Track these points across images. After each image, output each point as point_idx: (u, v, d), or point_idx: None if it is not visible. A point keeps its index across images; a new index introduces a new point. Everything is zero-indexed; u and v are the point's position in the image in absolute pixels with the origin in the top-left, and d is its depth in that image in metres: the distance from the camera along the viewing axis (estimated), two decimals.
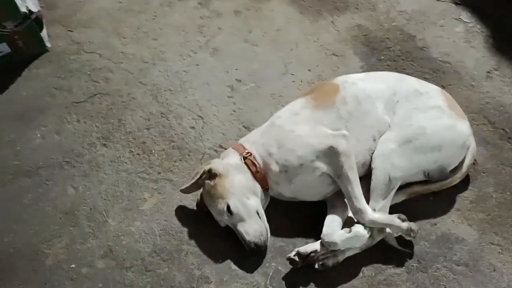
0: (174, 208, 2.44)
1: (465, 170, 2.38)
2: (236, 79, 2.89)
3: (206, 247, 2.33)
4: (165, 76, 2.93)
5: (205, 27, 3.09)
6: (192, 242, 2.36)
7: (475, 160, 2.38)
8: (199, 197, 2.43)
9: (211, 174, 2.28)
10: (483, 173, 2.47)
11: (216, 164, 2.32)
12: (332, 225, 2.24)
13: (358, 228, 2.20)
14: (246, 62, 2.94)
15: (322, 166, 2.24)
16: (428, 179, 2.37)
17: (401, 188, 2.35)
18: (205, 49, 3.02)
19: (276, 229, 2.32)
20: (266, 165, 2.31)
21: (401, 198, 2.38)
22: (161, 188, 2.53)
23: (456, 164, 2.37)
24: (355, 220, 2.25)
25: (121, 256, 2.29)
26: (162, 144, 2.67)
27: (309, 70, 2.89)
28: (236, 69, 2.91)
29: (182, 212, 2.45)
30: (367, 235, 2.21)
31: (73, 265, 2.26)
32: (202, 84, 2.87)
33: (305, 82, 2.84)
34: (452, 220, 2.34)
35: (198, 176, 2.31)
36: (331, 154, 2.22)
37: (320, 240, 2.22)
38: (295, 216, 2.39)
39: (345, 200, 2.28)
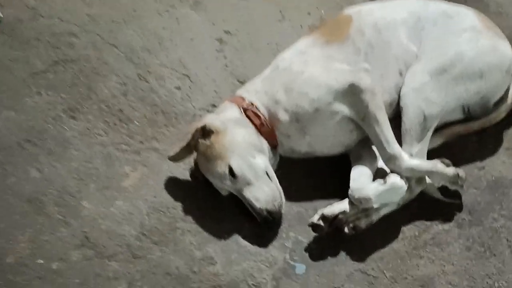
0: (164, 181, 1.99)
1: (510, 101, 1.96)
2: (224, 31, 2.48)
3: (206, 223, 1.88)
4: (140, 36, 2.50)
5: None
6: (189, 218, 1.92)
7: None
8: (193, 165, 2.04)
9: (205, 132, 1.84)
10: None
11: (211, 120, 1.87)
12: (361, 179, 1.79)
13: (394, 179, 1.75)
14: (234, 12, 2.53)
15: (342, 109, 1.81)
16: (468, 116, 1.98)
17: (438, 130, 1.93)
18: (185, 2, 2.58)
19: (292, 193, 1.88)
20: (273, 116, 1.87)
21: (439, 141, 1.95)
22: (145, 160, 2.10)
23: (501, 95, 1.95)
24: (388, 171, 1.85)
25: (101, 244, 1.85)
26: (143, 110, 2.24)
27: (309, 13, 2.46)
28: (224, 21, 2.50)
29: (173, 185, 2.00)
30: (405, 187, 1.77)
31: (40, 261, 1.80)
32: (185, 40, 2.46)
33: (305, 27, 2.42)
34: (503, 161, 1.92)
35: (189, 137, 1.88)
36: (353, 93, 1.78)
37: (348, 198, 1.79)
38: (313, 175, 1.95)
39: (373, 147, 1.86)
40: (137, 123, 2.19)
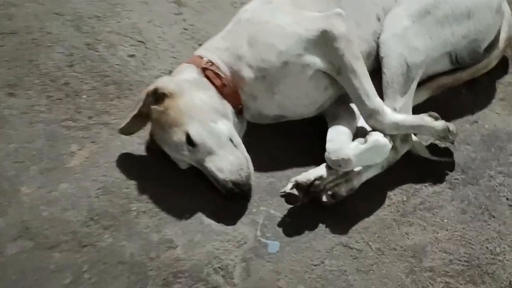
0: (116, 158, 1.75)
1: (502, 46, 1.75)
2: None
3: (164, 202, 1.63)
4: (88, 2, 2.27)
5: None
6: (144, 197, 1.66)
7: (509, 41, 1.78)
8: (148, 137, 1.82)
9: (158, 96, 1.60)
10: None
11: (164, 82, 1.63)
12: (338, 139, 1.57)
13: (377, 136, 1.53)
14: None
15: (315, 61, 1.58)
16: (456, 66, 1.77)
17: (423, 83, 1.72)
18: None
19: (261, 162, 1.65)
20: (236, 74, 1.63)
21: (424, 95, 1.74)
22: (94, 136, 1.85)
23: (491, 38, 1.75)
24: (368, 130, 1.65)
25: (42, 233, 1.59)
26: (92, 82, 2.00)
27: None
28: None
29: (127, 161, 1.75)
30: (389, 145, 1.55)
31: None
32: (139, 4, 2.21)
33: None
34: (497, 113, 1.72)
35: (140, 104, 1.64)
36: (325, 42, 1.56)
37: (324, 164, 1.59)
38: (286, 142, 1.72)
39: (352, 106, 1.66)
40: (85, 97, 1.94)
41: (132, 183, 1.70)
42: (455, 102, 1.75)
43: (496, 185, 1.59)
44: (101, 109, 1.90)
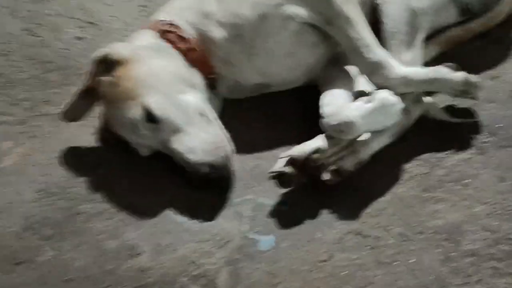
0: (60, 153, 1.39)
1: None
2: None
3: (123, 200, 1.27)
4: None
5: None
6: (97, 197, 1.29)
7: None
8: (101, 123, 1.48)
9: (108, 65, 1.27)
10: None
11: (115, 48, 1.30)
12: (336, 101, 1.25)
13: (384, 93, 1.22)
14: None
15: (298, 11, 1.28)
16: (466, 16, 1.49)
17: (431, 38, 1.41)
18: None
19: (242, 144, 1.31)
20: (204, 36, 1.31)
21: (433, 51, 1.41)
22: (34, 130, 1.48)
23: None
24: (370, 92, 1.32)
25: None
26: (31, 70, 1.65)
27: None
28: None
29: (74, 156, 1.38)
30: (400, 104, 1.23)
31: None
32: None
33: None
34: None
35: (87, 77, 1.31)
36: None
37: (322, 134, 1.28)
38: (270, 117, 1.39)
39: (347, 65, 1.35)
40: (22, 87, 1.61)
41: (81, 181, 1.34)
42: (470, 57, 1.44)
43: None
44: (42, 99, 1.56)
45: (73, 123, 1.42)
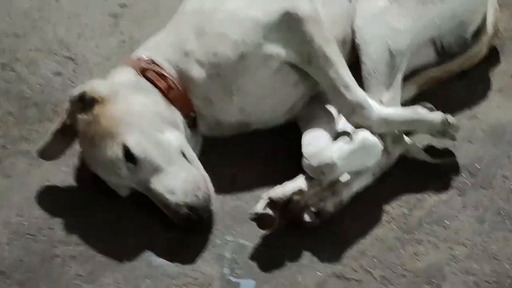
0: (35, 193, 1.35)
1: (491, 31, 1.51)
2: (119, 5, 1.92)
3: (100, 242, 1.24)
4: (5, 19, 1.94)
5: None
6: (73, 239, 1.25)
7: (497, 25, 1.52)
8: (77, 162, 1.45)
9: (86, 103, 1.25)
10: None
11: (92, 85, 1.29)
12: (317, 141, 1.25)
13: (364, 134, 1.23)
14: None
15: (278, 51, 1.28)
16: (443, 56, 1.48)
17: (409, 77, 1.41)
18: None
19: (222, 184, 1.29)
20: (184, 74, 1.31)
21: (412, 91, 1.43)
22: (8, 169, 1.42)
23: (478, 22, 1.49)
24: (351, 132, 1.34)
25: None
26: (6, 106, 1.60)
27: None
28: None
29: (50, 196, 1.34)
30: (381, 146, 1.24)
31: None
32: (67, 18, 1.88)
33: None
34: (498, 106, 1.43)
35: (64, 114, 1.28)
36: (289, 26, 1.27)
37: (303, 175, 1.24)
38: (250, 156, 1.37)
39: (328, 105, 1.35)
40: None
41: (57, 222, 1.31)
42: (447, 97, 1.47)
43: None
44: (18, 136, 1.51)
45: (48, 162, 1.40)
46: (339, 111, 1.32)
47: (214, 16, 1.33)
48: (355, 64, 1.39)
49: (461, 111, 1.46)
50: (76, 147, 1.37)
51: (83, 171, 1.35)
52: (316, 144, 1.25)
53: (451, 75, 1.53)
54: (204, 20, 1.33)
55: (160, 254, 1.22)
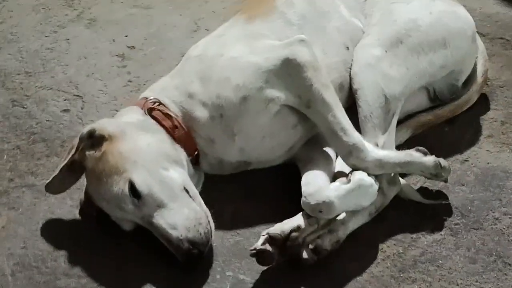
0: (40, 226, 1.39)
1: (481, 80, 1.59)
2: (127, 46, 2.01)
3: (103, 275, 1.27)
4: (18, 58, 1.97)
5: (75, 0, 2.26)
6: (76, 271, 1.28)
7: (486, 74, 1.59)
8: (82, 197, 1.49)
9: (94, 140, 1.31)
10: (501, 87, 1.74)
11: (101, 123, 1.35)
12: (316, 181, 1.30)
13: (360, 175, 1.28)
14: (139, 27, 2.07)
15: (279, 95, 1.35)
16: (436, 102, 1.56)
17: (402, 121, 1.50)
18: (77, 22, 2.14)
19: (222, 220, 1.34)
20: (188, 115, 1.38)
21: (405, 135, 1.51)
22: (14, 201, 1.47)
23: (469, 71, 1.57)
24: (348, 173, 1.38)
25: None
26: (15, 141, 1.65)
27: (225, 20, 2.16)
28: (126, 36, 2.03)
29: (54, 229, 1.38)
30: (376, 186, 1.29)
31: None
32: (77, 59, 1.96)
33: None
34: (488, 151, 1.49)
35: (73, 151, 1.32)
36: (289, 71, 1.34)
37: (302, 212, 1.29)
38: (251, 194, 1.42)
39: (326, 147, 1.41)
40: (6, 157, 1.62)
41: (61, 255, 1.34)
42: (439, 141, 1.54)
43: (504, 228, 1.34)
44: (25, 170, 1.57)
45: (54, 196, 1.44)
46: (337, 153, 1.39)
47: (218, 62, 1.41)
48: (351, 108, 1.48)
49: (453, 155, 1.52)
50: (81, 182, 1.43)
51: (88, 206, 1.39)
52: (314, 184, 1.30)
53: (442, 120, 1.61)
54: (208, 66, 1.41)
55: None
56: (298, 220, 1.26)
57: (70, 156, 1.32)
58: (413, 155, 1.36)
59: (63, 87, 1.86)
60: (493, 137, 1.57)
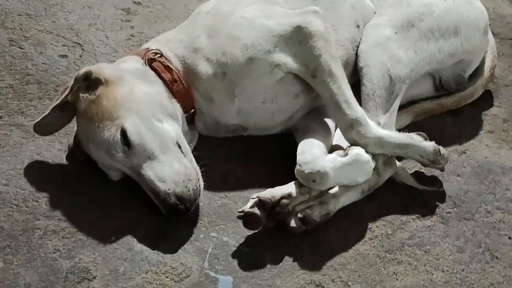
0: (24, 165, 1.35)
1: (487, 75, 1.57)
2: (134, 2, 1.94)
3: (83, 220, 1.24)
4: (21, 0, 2.00)
5: None
6: (56, 214, 1.25)
7: (493, 70, 1.57)
8: (71, 141, 1.44)
9: (90, 83, 1.26)
10: (507, 86, 1.70)
11: (98, 66, 1.31)
12: (312, 151, 1.27)
13: (358, 150, 1.25)
14: None
15: (286, 60, 1.31)
16: (440, 91, 1.53)
17: (406, 106, 1.49)
18: None
19: (212, 181, 1.30)
20: (190, 69, 1.33)
21: (407, 119, 1.48)
22: (1, 139, 1.40)
23: (477, 63, 1.55)
24: (346, 147, 1.35)
25: None
26: (8, 79, 1.61)
27: None
28: None
29: (39, 170, 1.34)
30: (372, 163, 1.26)
31: None
32: (81, 8, 1.90)
33: None
34: (487, 145, 1.47)
35: (67, 91, 1.28)
36: (300, 39, 1.31)
37: (294, 181, 1.27)
38: (243, 157, 1.40)
39: (327, 118, 1.38)
40: None
41: (43, 196, 1.30)
42: (440, 130, 1.52)
43: (495, 222, 1.31)
44: (15, 109, 1.52)
45: (42, 137, 1.41)
46: (338, 126, 1.36)
47: (230, 19, 1.37)
48: (354, 86, 1.45)
49: (452, 146, 1.50)
50: (71, 126, 1.39)
51: (76, 150, 1.35)
52: (310, 153, 1.27)
53: (444, 110, 1.58)
54: (218, 22, 1.37)
55: (141, 240, 1.22)
56: (290, 187, 1.24)
57: (63, 96, 1.28)
58: (413, 138, 1.33)
59: (63, 32, 1.81)
60: (494, 133, 1.55)
